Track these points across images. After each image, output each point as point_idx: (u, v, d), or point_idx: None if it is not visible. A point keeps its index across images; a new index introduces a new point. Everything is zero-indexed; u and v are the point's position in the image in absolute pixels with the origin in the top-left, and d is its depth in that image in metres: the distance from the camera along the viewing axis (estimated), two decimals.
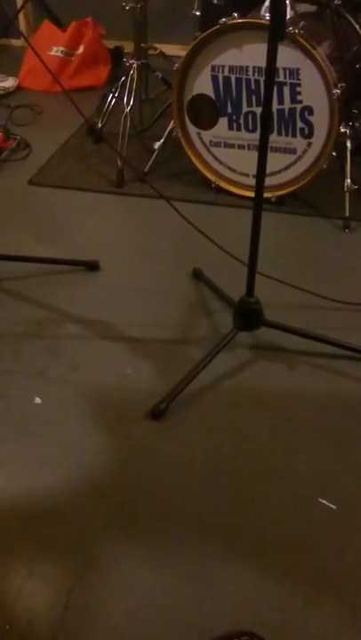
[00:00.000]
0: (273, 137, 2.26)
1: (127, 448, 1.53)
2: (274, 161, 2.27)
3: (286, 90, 2.19)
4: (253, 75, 2.22)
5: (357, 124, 2.36)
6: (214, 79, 2.28)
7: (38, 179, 2.63)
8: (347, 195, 2.32)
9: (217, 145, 2.40)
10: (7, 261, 2.03)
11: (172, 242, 2.24)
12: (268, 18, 2.00)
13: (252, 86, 2.24)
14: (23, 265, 2.06)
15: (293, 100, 2.21)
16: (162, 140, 2.57)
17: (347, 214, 2.31)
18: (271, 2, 1.29)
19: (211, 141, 2.40)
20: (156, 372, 1.73)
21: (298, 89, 2.18)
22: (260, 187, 1.50)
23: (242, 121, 2.32)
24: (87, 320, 1.91)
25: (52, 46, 3.45)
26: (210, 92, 2.31)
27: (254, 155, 1.51)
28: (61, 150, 2.85)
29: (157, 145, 2.58)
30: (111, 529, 1.36)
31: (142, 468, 1.49)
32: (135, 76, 2.67)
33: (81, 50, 3.47)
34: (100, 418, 1.60)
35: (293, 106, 2.22)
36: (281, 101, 2.22)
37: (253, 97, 2.26)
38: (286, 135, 2.27)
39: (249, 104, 2.28)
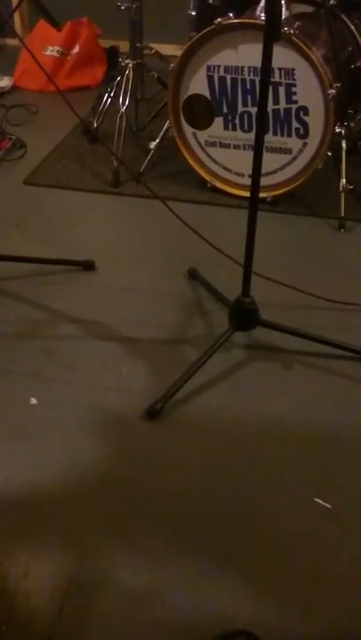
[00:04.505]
0: (268, 137, 2.26)
1: (123, 448, 1.53)
2: (269, 161, 2.27)
3: (282, 90, 2.19)
4: (249, 75, 2.22)
5: (353, 124, 2.37)
6: (210, 79, 2.28)
7: (34, 178, 2.63)
8: (342, 194, 2.32)
9: (212, 145, 2.40)
10: (2, 261, 2.03)
11: (168, 242, 2.24)
12: (263, 18, 2.00)
13: (248, 86, 2.24)
14: (18, 265, 2.06)
15: (289, 100, 2.21)
16: (157, 140, 2.57)
17: (342, 214, 2.31)
18: (267, 2, 1.29)
19: (206, 141, 2.40)
20: (151, 372, 1.73)
21: (293, 89, 2.18)
22: (255, 187, 1.50)
23: (237, 121, 2.32)
24: (83, 320, 1.91)
25: (47, 46, 3.44)
26: (205, 91, 2.31)
27: (250, 155, 1.51)
28: (57, 150, 2.84)
29: (153, 145, 2.57)
30: (107, 529, 1.36)
31: (138, 468, 1.49)
32: (131, 75, 2.67)
33: (76, 49, 3.46)
34: (96, 418, 1.60)
35: (289, 106, 2.22)
36: (276, 101, 2.22)
37: (249, 97, 2.26)
38: (282, 135, 2.27)
39: (244, 104, 2.28)
